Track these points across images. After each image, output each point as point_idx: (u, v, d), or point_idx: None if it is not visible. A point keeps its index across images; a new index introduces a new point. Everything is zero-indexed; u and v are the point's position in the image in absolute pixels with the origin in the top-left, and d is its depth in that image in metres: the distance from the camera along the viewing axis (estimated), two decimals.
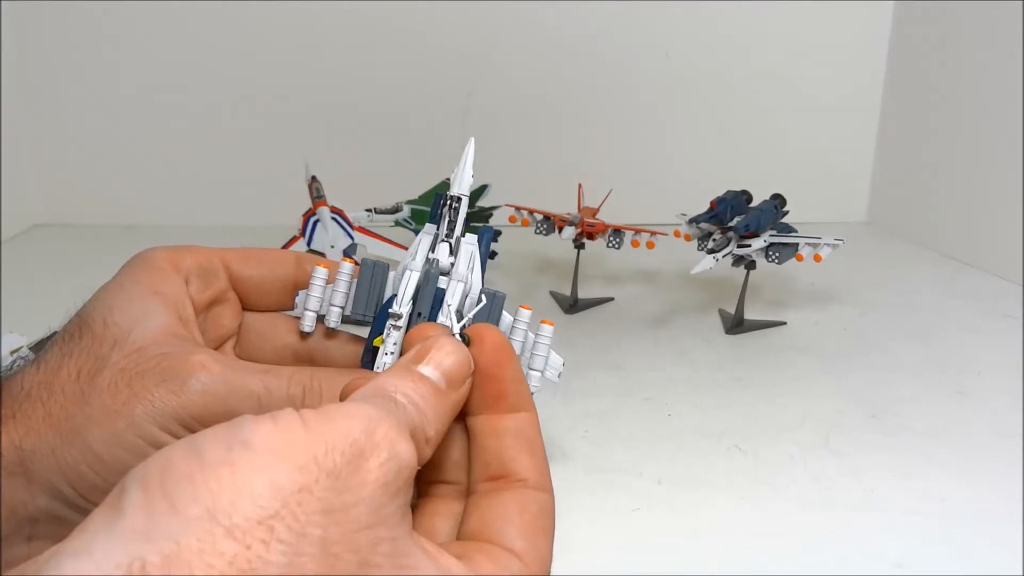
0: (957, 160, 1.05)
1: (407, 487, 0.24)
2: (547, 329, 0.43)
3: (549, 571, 0.28)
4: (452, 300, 0.41)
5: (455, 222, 0.42)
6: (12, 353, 0.57)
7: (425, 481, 0.31)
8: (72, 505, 0.32)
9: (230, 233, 1.03)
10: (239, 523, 0.20)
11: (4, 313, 0.70)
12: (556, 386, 0.64)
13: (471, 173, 0.43)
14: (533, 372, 0.44)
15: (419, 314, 0.40)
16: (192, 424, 0.34)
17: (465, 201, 0.42)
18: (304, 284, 0.42)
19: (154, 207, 1.12)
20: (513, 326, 0.43)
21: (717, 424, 0.59)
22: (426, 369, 0.28)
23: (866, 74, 1.19)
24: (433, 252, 0.42)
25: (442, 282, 0.42)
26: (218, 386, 0.34)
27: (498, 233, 0.88)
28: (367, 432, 0.23)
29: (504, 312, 0.43)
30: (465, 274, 0.42)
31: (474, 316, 0.42)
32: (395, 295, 0.41)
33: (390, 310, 0.41)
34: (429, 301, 0.41)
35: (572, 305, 0.82)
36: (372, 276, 0.42)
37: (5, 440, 0.32)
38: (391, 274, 0.43)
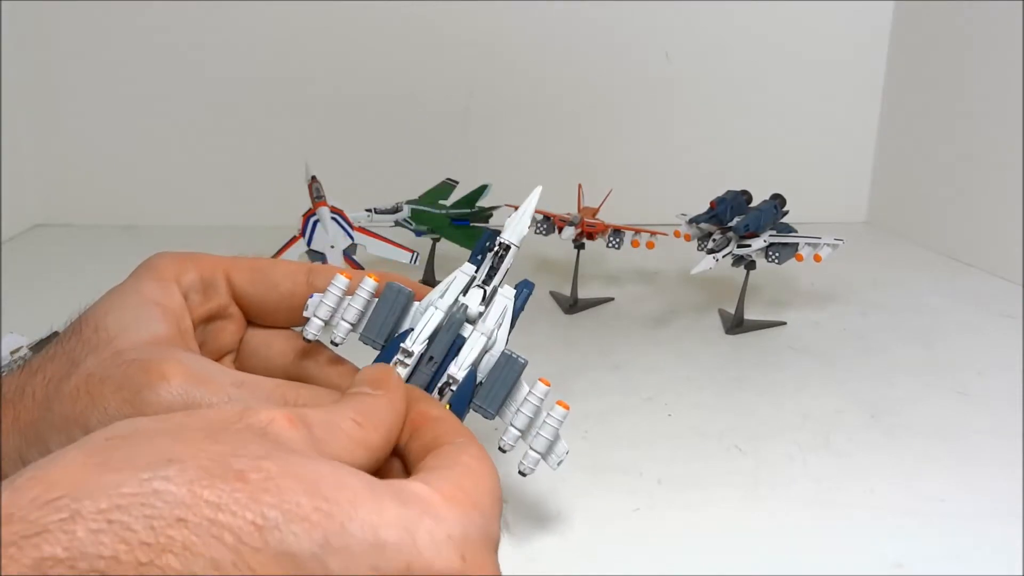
0: (957, 160, 1.05)
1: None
2: (560, 412, 0.39)
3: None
4: (470, 354, 0.38)
5: (497, 270, 0.39)
6: (12, 353, 0.57)
7: None
8: None
9: (230, 233, 1.03)
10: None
11: (4, 313, 0.70)
12: (556, 387, 0.64)
13: (528, 224, 0.40)
14: (531, 453, 0.39)
15: (430, 358, 0.37)
16: None
17: (514, 251, 0.39)
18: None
19: (154, 207, 1.12)
20: (525, 400, 0.38)
21: (717, 424, 0.59)
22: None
23: (866, 74, 1.19)
24: (464, 295, 0.39)
25: (466, 330, 0.38)
26: (174, 401, 0.32)
27: (497, 233, 0.89)
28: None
29: (523, 381, 0.39)
30: (492, 328, 0.39)
31: (489, 376, 0.38)
32: (412, 329, 0.38)
33: (403, 344, 0.37)
34: (445, 347, 0.37)
35: (572, 305, 0.82)
36: (393, 302, 0.39)
37: None
38: (414, 305, 0.39)
